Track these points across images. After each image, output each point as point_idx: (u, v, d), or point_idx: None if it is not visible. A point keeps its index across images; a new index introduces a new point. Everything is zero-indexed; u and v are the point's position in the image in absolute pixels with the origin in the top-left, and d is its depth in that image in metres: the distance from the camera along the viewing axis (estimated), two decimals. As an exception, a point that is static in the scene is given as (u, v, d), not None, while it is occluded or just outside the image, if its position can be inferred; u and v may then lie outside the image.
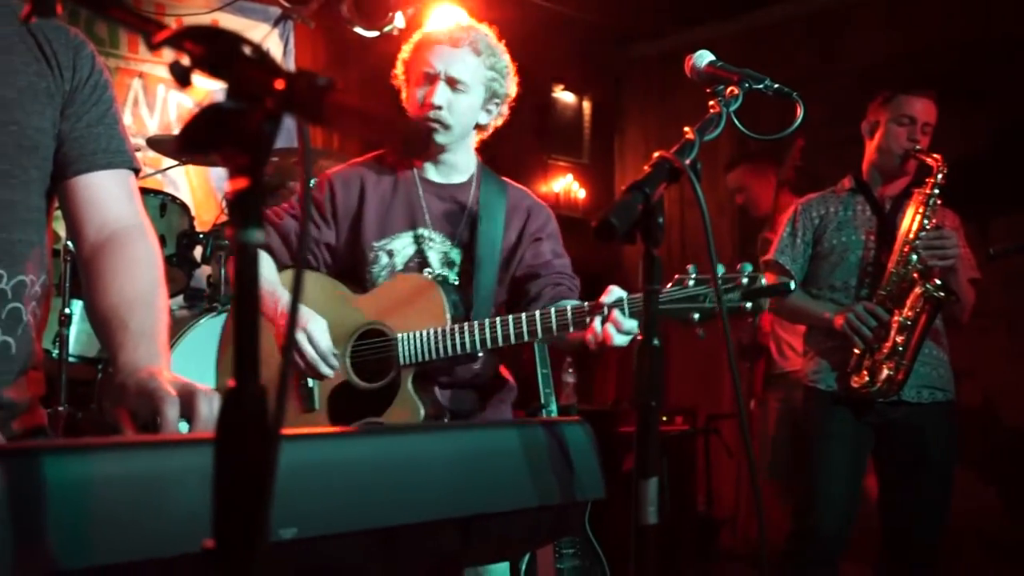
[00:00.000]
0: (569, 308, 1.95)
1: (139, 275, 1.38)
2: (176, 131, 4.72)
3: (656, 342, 1.14)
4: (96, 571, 0.73)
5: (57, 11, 0.90)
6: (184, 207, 3.84)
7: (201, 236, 3.69)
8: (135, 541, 0.75)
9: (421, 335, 2.08)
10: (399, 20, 5.10)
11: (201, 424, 1.14)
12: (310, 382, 2.22)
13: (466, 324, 2.06)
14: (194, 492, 0.78)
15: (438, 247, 2.23)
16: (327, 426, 2.17)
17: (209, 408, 1.14)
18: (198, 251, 3.73)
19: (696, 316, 1.72)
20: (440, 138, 2.16)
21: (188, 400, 1.14)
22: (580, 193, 6.17)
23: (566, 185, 6.15)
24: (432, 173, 2.26)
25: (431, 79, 2.15)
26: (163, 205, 3.71)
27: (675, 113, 5.82)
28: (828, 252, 3.04)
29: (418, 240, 2.22)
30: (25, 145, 1.34)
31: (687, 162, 1.19)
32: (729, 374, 5.30)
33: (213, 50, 0.74)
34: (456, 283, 2.22)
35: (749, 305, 1.68)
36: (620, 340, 1.85)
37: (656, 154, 1.17)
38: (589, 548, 3.19)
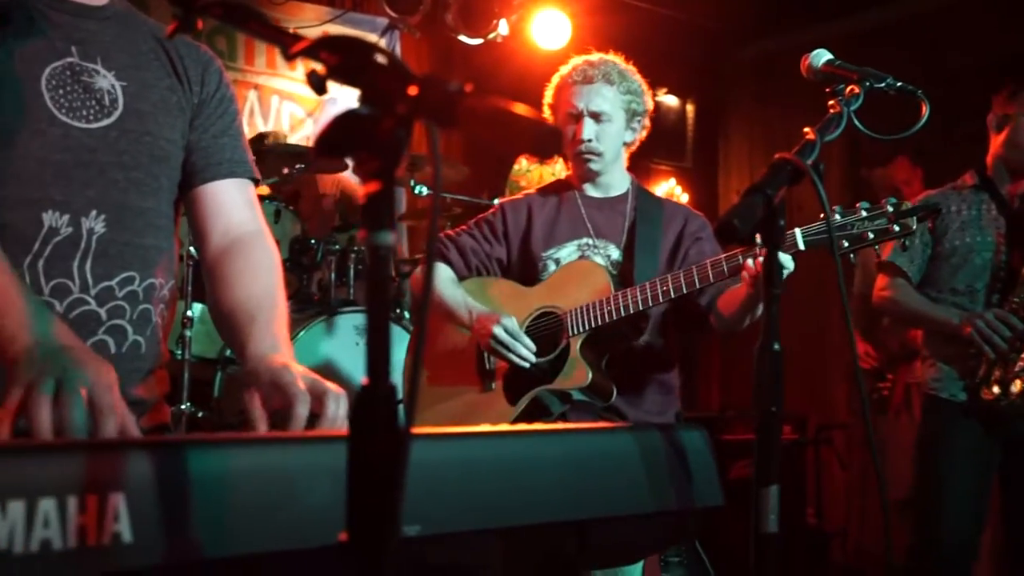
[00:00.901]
0: (722, 256, 2.13)
1: (262, 275, 1.45)
2: (290, 140, 4.90)
3: (777, 346, 1.12)
4: (237, 560, 0.77)
5: (198, 27, 0.95)
6: (297, 214, 3.97)
7: (312, 242, 3.81)
8: (273, 532, 0.78)
9: (588, 306, 2.29)
10: (503, 27, 5.15)
11: (327, 422, 1.18)
12: (486, 363, 2.46)
13: (628, 289, 2.25)
14: (328, 487, 0.80)
15: (601, 251, 2.45)
16: (503, 402, 2.40)
17: (336, 407, 1.18)
18: (310, 256, 3.85)
19: (846, 243, 1.94)
20: (595, 166, 2.45)
21: (318, 398, 1.18)
22: (683, 197, 6.08)
23: (669, 189, 6.07)
24: (592, 191, 2.52)
25: (576, 117, 2.41)
26: (277, 212, 3.85)
27: (781, 115, 5.68)
28: (949, 253, 2.89)
29: (582, 248, 2.45)
30: (158, 155, 1.41)
31: (809, 163, 1.16)
32: (843, 385, 5.09)
33: (347, 59, 0.77)
34: (616, 274, 2.41)
35: (897, 228, 1.92)
36: None
37: (777, 155, 1.14)
38: (695, 557, 3.13)
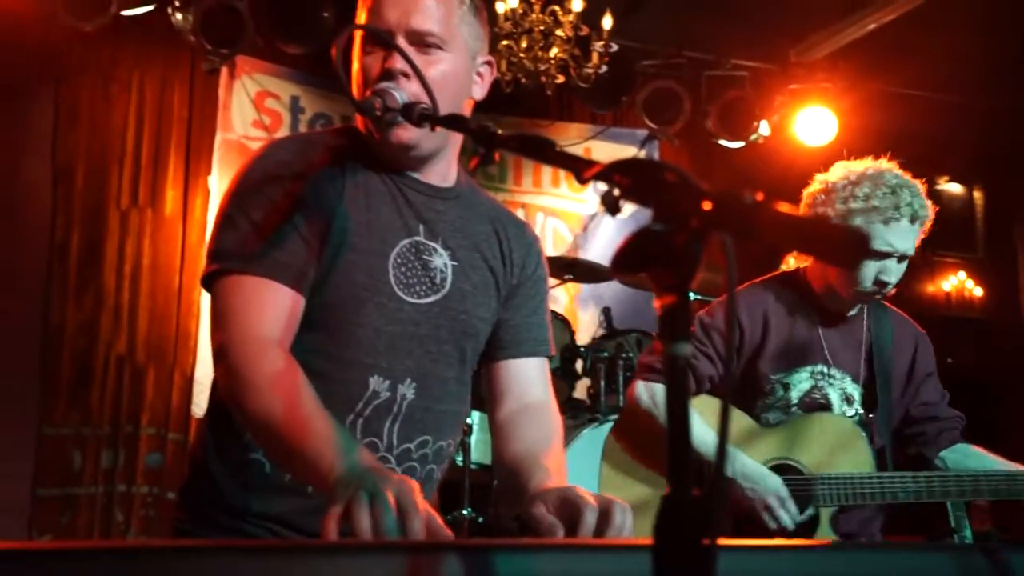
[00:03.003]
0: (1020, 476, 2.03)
1: (545, 435, 1.53)
2: (553, 253, 5.13)
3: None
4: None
5: (495, 159, 1.04)
6: (566, 322, 4.10)
7: (581, 349, 3.90)
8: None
9: (847, 479, 2.14)
10: (763, 129, 5.12)
11: (613, 531, 1.19)
12: None
13: (897, 474, 2.11)
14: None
15: (837, 384, 2.26)
16: None
17: (622, 518, 1.20)
18: (579, 364, 3.94)
19: None
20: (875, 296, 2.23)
21: (604, 508, 1.21)
22: (976, 291, 5.59)
23: (958, 283, 5.61)
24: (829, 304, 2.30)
25: (881, 256, 2.15)
26: (548, 322, 4.00)
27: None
28: None
29: (815, 376, 2.26)
30: (469, 332, 1.53)
31: None
32: None
33: (639, 179, 0.81)
34: (859, 421, 2.24)
35: None
36: None
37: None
38: None
